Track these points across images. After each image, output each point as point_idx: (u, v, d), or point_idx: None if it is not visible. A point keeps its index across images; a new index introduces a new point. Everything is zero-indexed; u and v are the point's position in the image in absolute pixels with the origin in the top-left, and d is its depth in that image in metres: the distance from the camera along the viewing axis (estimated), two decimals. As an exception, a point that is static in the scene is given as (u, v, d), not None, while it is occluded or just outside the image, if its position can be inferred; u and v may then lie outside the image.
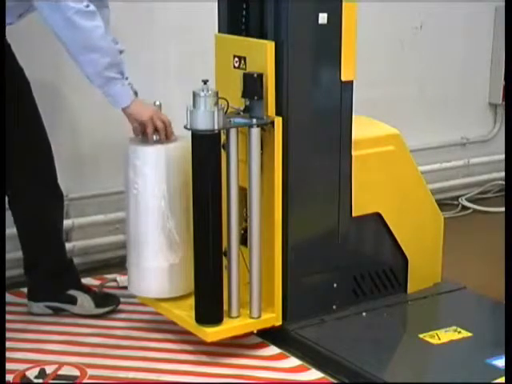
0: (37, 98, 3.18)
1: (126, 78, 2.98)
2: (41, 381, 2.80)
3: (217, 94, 2.77)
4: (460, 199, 4.83)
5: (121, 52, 3.12)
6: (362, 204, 3.10)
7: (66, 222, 3.67)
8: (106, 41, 2.85)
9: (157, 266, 2.98)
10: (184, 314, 2.96)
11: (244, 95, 2.86)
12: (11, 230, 3.26)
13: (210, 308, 2.88)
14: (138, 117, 2.92)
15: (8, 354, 2.63)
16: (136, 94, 3.07)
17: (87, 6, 2.78)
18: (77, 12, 2.75)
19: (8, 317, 2.95)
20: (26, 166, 3.11)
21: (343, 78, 2.96)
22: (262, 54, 2.85)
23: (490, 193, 4.98)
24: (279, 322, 3.00)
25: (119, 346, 3.04)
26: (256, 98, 2.84)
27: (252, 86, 2.83)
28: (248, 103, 2.87)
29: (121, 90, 2.89)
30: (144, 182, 2.91)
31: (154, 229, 2.94)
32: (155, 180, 2.91)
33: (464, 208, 4.76)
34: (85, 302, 3.25)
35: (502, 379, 2.57)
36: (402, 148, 3.21)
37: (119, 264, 3.65)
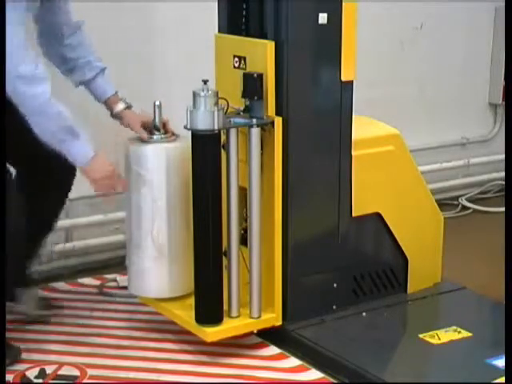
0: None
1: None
2: (41, 381, 2.80)
3: (217, 93, 2.77)
4: (460, 199, 4.83)
5: (103, 70, 3.09)
6: (361, 204, 3.10)
7: (66, 222, 3.67)
8: (52, 106, 2.73)
9: (156, 266, 2.98)
10: (184, 313, 2.96)
11: (244, 95, 2.86)
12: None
13: (209, 308, 2.88)
14: (91, 175, 2.86)
15: (8, 354, 2.64)
16: (130, 107, 3.07)
17: (35, 69, 2.69)
18: (18, 77, 2.66)
19: (8, 317, 2.95)
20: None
21: (343, 78, 2.96)
22: (262, 54, 2.85)
23: (490, 193, 4.98)
24: (279, 322, 3.00)
25: (119, 346, 3.04)
26: (256, 97, 2.84)
27: (252, 86, 2.83)
28: (248, 103, 2.87)
29: (75, 151, 2.81)
30: (143, 182, 2.91)
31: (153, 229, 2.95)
32: (155, 180, 2.91)
33: (464, 208, 4.76)
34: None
35: (502, 379, 2.57)
36: (401, 148, 3.21)
37: (119, 264, 3.65)
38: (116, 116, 3.09)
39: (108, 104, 3.10)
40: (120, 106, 3.08)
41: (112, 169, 2.89)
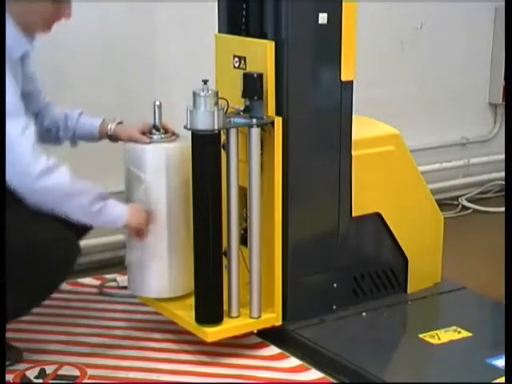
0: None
1: None
2: (41, 381, 2.80)
3: (217, 93, 2.77)
4: (460, 199, 4.83)
5: (81, 113, 3.06)
6: (362, 204, 3.10)
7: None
8: (75, 184, 2.69)
9: (156, 266, 2.98)
10: (184, 313, 2.96)
11: (244, 95, 2.86)
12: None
13: (210, 308, 2.88)
14: (131, 225, 2.86)
15: (8, 354, 2.64)
16: (121, 122, 3.04)
17: (48, 160, 2.63)
18: (37, 176, 2.60)
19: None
20: None
21: (343, 78, 2.96)
22: (262, 54, 2.85)
23: (490, 193, 4.98)
24: (279, 322, 3.00)
25: (119, 345, 3.04)
26: (256, 98, 2.83)
27: (252, 86, 2.83)
28: (248, 103, 2.87)
29: (111, 214, 2.78)
30: (143, 183, 2.91)
31: (153, 229, 2.94)
32: (154, 180, 2.91)
33: (464, 208, 4.76)
34: None
35: (502, 379, 2.57)
36: (401, 148, 3.21)
37: (119, 264, 3.65)
38: (113, 137, 3.05)
39: (101, 131, 3.06)
40: (112, 126, 3.04)
41: (146, 214, 2.88)
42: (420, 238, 3.30)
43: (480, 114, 4.99)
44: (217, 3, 3.09)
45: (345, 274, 3.14)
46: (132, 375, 2.84)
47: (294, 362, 2.92)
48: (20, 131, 2.61)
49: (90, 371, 2.85)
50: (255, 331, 3.01)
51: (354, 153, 3.05)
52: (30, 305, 2.87)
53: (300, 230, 3.00)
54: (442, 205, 4.37)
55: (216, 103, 2.75)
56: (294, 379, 2.82)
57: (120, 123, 3.04)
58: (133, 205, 2.91)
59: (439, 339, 2.95)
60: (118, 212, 2.81)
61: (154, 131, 2.95)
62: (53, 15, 2.75)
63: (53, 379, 2.81)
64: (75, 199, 2.69)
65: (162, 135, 2.95)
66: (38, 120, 3.02)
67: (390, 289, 3.29)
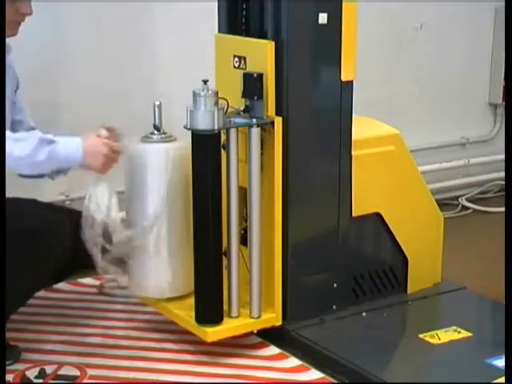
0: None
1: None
2: (41, 381, 2.80)
3: (217, 93, 2.77)
4: (460, 199, 4.83)
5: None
6: (362, 204, 3.10)
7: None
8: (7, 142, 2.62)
9: (156, 266, 2.97)
10: (184, 313, 2.96)
11: (244, 95, 2.86)
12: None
13: (210, 308, 2.88)
14: (95, 164, 2.76)
15: (8, 354, 2.64)
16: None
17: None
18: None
19: (8, 317, 2.96)
20: None
21: (343, 78, 2.96)
22: (262, 54, 2.85)
23: (490, 193, 4.98)
24: (279, 322, 3.00)
25: (119, 346, 3.04)
26: (256, 98, 2.84)
27: (252, 85, 2.83)
28: (248, 103, 2.87)
29: (64, 151, 2.70)
30: (144, 182, 2.91)
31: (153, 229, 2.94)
32: (155, 180, 2.91)
33: (464, 208, 4.76)
34: None
35: (502, 379, 2.57)
36: (402, 148, 3.21)
37: (119, 264, 3.65)
38: None
39: None
40: None
41: (106, 144, 2.77)
42: (420, 237, 3.30)
43: (480, 114, 4.99)
44: (217, 3, 3.09)
45: (345, 274, 3.14)
46: (132, 375, 2.84)
47: (294, 361, 2.92)
48: None
49: (89, 371, 2.85)
50: (255, 331, 3.01)
51: (353, 153, 3.05)
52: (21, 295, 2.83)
53: (300, 230, 3.00)
54: (442, 205, 4.37)
55: (216, 103, 2.75)
56: (294, 379, 2.82)
57: None
58: (89, 139, 2.75)
59: (439, 339, 2.95)
60: (72, 146, 2.70)
61: (154, 131, 2.95)
62: (15, 15, 2.73)
63: (53, 379, 2.81)
64: (15, 149, 2.60)
65: (162, 135, 2.95)
66: None
67: (390, 289, 3.29)
